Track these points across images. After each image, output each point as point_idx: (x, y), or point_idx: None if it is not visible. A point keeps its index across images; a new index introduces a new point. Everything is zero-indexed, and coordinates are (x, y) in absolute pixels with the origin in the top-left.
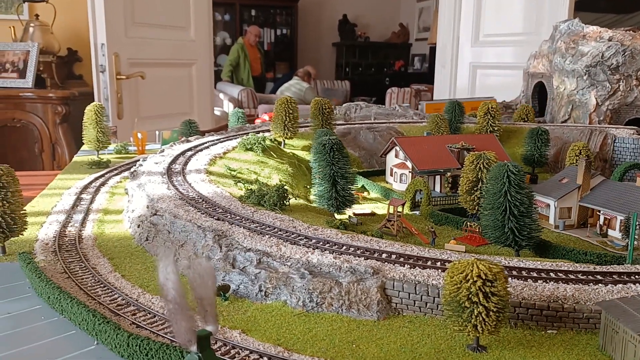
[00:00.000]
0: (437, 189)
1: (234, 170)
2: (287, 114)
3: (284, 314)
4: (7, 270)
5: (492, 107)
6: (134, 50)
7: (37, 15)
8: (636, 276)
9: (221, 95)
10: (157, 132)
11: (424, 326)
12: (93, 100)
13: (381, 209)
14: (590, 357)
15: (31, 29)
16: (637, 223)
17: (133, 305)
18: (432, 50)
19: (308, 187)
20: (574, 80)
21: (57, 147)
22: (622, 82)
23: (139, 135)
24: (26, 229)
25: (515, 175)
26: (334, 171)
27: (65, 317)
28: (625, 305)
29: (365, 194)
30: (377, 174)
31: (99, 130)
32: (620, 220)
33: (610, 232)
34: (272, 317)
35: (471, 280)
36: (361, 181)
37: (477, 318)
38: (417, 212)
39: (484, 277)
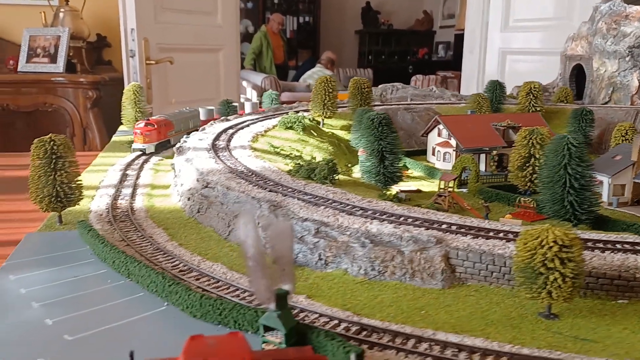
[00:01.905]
0: (482, 167)
1: (277, 148)
2: (327, 93)
3: (346, 281)
4: (66, 238)
5: (534, 87)
6: (163, 35)
7: (67, 1)
8: None
9: (244, 83)
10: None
11: (491, 295)
12: (122, 86)
13: (426, 186)
14: None
15: (61, 15)
16: None
17: (195, 271)
18: (457, 37)
19: (350, 165)
20: (616, 61)
21: (88, 131)
22: None
23: None
24: (82, 198)
25: (576, 148)
26: (382, 146)
27: (132, 280)
28: None
29: (409, 172)
30: (417, 154)
31: (137, 110)
32: None
33: None
34: (334, 285)
35: (547, 246)
36: (403, 160)
37: (553, 284)
38: (465, 190)
39: (560, 243)
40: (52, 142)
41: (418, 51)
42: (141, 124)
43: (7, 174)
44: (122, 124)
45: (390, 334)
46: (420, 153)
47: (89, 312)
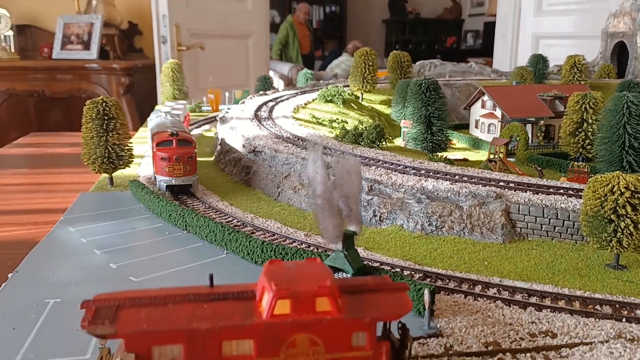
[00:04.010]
0: (530, 139)
1: (319, 119)
2: (367, 66)
3: (402, 236)
4: (119, 197)
5: (578, 61)
6: (194, 21)
7: None
8: None
9: (271, 73)
10: (226, 93)
11: (555, 248)
12: (154, 72)
13: (472, 157)
14: None
15: (94, 2)
16: None
17: (250, 226)
18: (487, 25)
19: (391, 137)
20: None
21: None
22: None
23: (211, 96)
24: (132, 161)
25: (636, 106)
26: (429, 112)
27: (190, 232)
28: None
29: (453, 143)
30: (458, 128)
31: (175, 87)
32: None
33: None
34: (391, 239)
35: (618, 192)
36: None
37: (624, 232)
38: (512, 159)
39: (632, 189)
40: (104, 103)
41: (446, 40)
42: (169, 142)
43: (49, 151)
44: (154, 107)
45: (455, 281)
46: (460, 127)
47: (150, 259)
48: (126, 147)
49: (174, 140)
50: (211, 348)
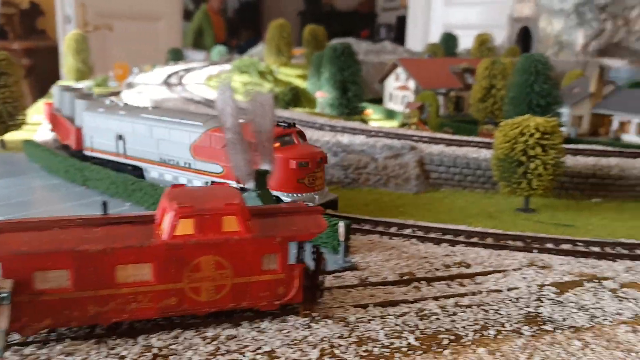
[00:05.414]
0: (441, 110)
1: (233, 87)
2: (282, 38)
3: None
4: (12, 159)
5: (487, 39)
6: (101, 0)
7: None
8: None
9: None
10: (135, 69)
11: (467, 197)
12: (57, 55)
13: (387, 125)
14: None
15: None
16: None
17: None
18: (400, 19)
19: (308, 109)
20: (562, 20)
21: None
22: (609, 21)
23: (119, 71)
24: (25, 123)
25: (543, 66)
26: (344, 77)
27: (89, 186)
28: None
29: (369, 113)
30: (372, 102)
31: (79, 60)
32: (638, 122)
33: (624, 136)
34: None
35: (527, 134)
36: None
37: (534, 172)
38: (426, 127)
39: (542, 130)
40: None
41: (360, 33)
42: (287, 140)
43: None
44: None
45: (371, 224)
46: (374, 102)
47: (43, 211)
48: (19, 106)
49: (293, 135)
50: (104, 274)
